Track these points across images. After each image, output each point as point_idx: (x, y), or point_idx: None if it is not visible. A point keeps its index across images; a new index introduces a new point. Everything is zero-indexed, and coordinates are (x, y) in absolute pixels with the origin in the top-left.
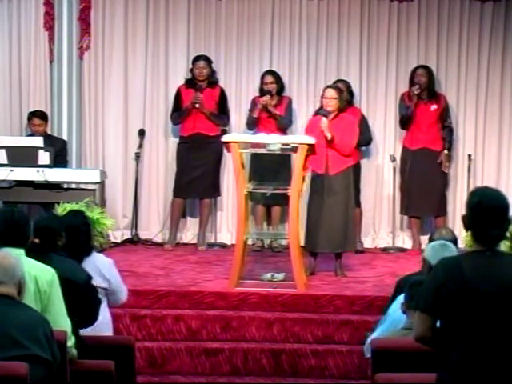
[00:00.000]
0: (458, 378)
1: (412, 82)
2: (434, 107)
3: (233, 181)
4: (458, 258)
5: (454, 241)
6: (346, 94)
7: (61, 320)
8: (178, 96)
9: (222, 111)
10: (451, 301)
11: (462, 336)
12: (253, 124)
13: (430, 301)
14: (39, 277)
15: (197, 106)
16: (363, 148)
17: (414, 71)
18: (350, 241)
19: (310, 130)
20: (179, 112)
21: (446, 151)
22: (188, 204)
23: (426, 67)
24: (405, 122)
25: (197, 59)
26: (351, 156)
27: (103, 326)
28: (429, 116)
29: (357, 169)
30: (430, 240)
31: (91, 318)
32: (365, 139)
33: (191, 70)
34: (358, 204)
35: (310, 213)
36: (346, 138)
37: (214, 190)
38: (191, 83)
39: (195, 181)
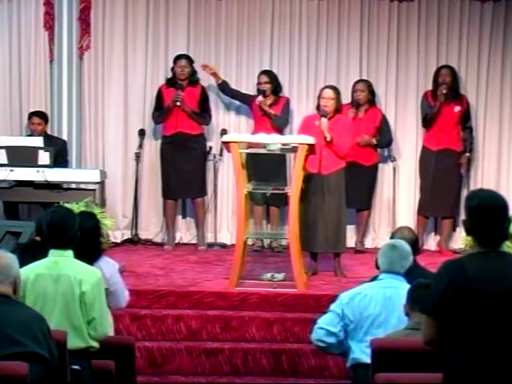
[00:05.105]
0: (464, 379)
1: (436, 82)
2: (457, 108)
3: (233, 181)
4: (462, 260)
5: (415, 241)
6: (367, 94)
7: (104, 323)
8: (160, 95)
9: (203, 110)
10: (457, 303)
11: (469, 337)
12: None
13: (437, 304)
14: (84, 280)
15: (178, 103)
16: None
17: (437, 71)
18: (341, 242)
19: (304, 129)
20: (160, 111)
21: (467, 154)
22: (187, 204)
23: (450, 67)
24: (428, 121)
25: (178, 58)
26: (345, 158)
27: None
28: (452, 117)
29: (374, 170)
30: (392, 238)
31: None
32: (385, 140)
33: (172, 69)
34: (368, 206)
35: (304, 212)
36: (342, 139)
37: (202, 188)
38: (172, 82)
39: (183, 181)
